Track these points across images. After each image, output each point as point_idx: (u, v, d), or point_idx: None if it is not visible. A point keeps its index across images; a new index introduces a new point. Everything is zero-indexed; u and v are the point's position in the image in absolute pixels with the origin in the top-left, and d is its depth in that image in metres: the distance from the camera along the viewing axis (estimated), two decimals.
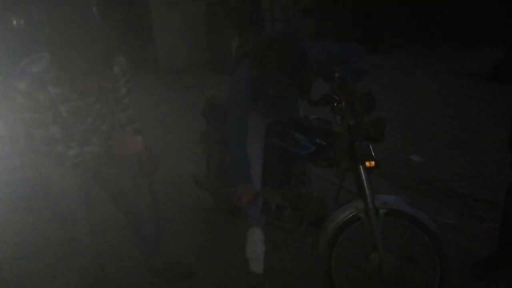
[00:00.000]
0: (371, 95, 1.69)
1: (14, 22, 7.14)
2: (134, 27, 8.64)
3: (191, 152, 3.27)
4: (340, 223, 1.73)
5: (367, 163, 1.66)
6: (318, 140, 1.86)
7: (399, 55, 8.41)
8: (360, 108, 1.65)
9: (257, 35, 8.50)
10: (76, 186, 1.67)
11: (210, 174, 2.69)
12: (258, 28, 8.72)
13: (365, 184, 1.66)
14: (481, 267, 2.05)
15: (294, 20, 9.16)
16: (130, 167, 1.85)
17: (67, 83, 1.40)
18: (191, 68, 8.88)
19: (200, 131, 2.70)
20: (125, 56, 1.65)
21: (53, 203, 1.70)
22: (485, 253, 2.13)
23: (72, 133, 1.56)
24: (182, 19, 8.90)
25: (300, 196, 2.10)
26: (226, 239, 2.47)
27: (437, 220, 1.70)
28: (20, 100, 1.37)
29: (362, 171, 1.66)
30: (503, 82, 5.60)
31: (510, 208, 1.98)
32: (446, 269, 1.67)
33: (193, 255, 2.33)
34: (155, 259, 2.11)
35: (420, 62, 7.59)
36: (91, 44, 1.26)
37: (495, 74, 5.85)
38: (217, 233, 2.58)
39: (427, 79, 6.35)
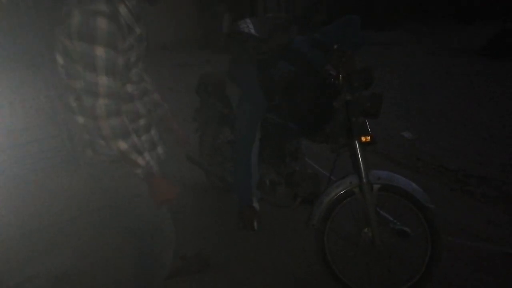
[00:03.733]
0: (370, 70, 1.67)
1: None
2: None
3: (185, 129, 3.23)
4: (334, 198, 1.74)
5: (363, 138, 1.65)
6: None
7: (396, 32, 8.34)
8: (357, 84, 1.63)
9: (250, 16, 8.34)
10: None
11: (203, 152, 2.68)
12: (249, 5, 8.55)
13: (360, 159, 1.66)
14: None
15: None
16: None
17: None
18: (182, 45, 8.72)
19: (193, 109, 2.66)
20: None
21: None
22: (476, 227, 2.17)
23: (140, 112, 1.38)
24: None
25: (294, 172, 2.10)
26: (221, 218, 2.48)
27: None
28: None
29: (357, 146, 1.65)
30: (495, 58, 5.61)
31: None
32: (437, 244, 1.69)
33: (197, 238, 2.31)
34: None
35: (416, 39, 7.54)
36: None
37: (488, 50, 5.86)
38: (212, 212, 2.58)
39: (421, 56, 6.33)
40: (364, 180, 1.66)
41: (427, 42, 7.22)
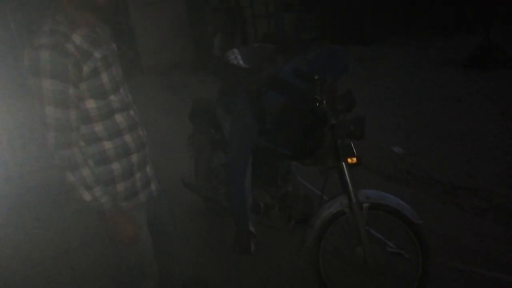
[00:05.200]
0: (351, 94, 1.76)
1: None
2: (114, 29, 8.56)
3: (180, 153, 3.30)
4: (326, 218, 1.80)
5: (349, 160, 1.73)
6: None
7: (381, 46, 8.52)
8: (341, 108, 1.72)
9: (239, 35, 8.53)
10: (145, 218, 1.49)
11: (198, 176, 2.73)
12: (239, 26, 8.75)
13: (348, 180, 1.73)
14: None
15: (276, 17, 9.20)
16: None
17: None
18: (174, 67, 8.86)
19: (188, 134, 2.73)
20: None
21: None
22: (466, 240, 2.23)
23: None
24: (163, 19, 8.85)
25: (287, 194, 2.17)
26: (218, 242, 2.52)
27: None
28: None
29: (345, 168, 1.72)
30: (480, 70, 5.76)
31: None
32: (428, 259, 1.75)
33: (194, 263, 2.34)
34: None
35: (402, 53, 7.71)
36: None
37: (472, 62, 6.01)
38: (209, 236, 2.62)
39: (408, 69, 6.47)
40: (354, 200, 1.73)
41: (413, 55, 7.38)
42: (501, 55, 5.83)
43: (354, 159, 1.72)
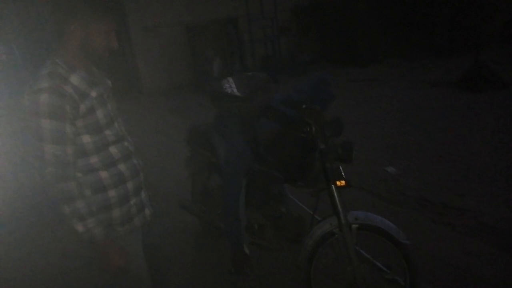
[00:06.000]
0: (339, 120, 1.86)
1: None
2: (115, 52, 8.78)
3: (177, 175, 3.38)
4: (317, 239, 1.87)
5: (338, 183, 1.81)
6: None
7: (377, 67, 8.72)
8: (329, 133, 1.81)
9: (237, 57, 8.75)
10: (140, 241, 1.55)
11: (195, 199, 2.81)
12: (238, 49, 8.97)
13: (338, 202, 1.80)
14: None
15: (273, 41, 9.44)
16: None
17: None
18: (174, 90, 9.05)
19: (185, 157, 2.82)
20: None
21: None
22: (456, 259, 2.28)
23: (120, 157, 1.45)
24: (163, 43, 9.10)
25: (280, 215, 2.24)
26: (213, 263, 2.57)
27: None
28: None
29: (334, 191, 1.80)
30: (472, 90, 5.90)
31: None
32: (415, 277, 1.81)
33: (190, 284, 2.39)
34: None
35: (396, 74, 7.89)
36: None
37: (464, 83, 6.16)
38: (205, 257, 2.67)
39: (402, 90, 6.63)
40: (343, 221, 1.80)
41: (407, 76, 7.56)
42: (492, 77, 6.00)
43: (343, 182, 1.80)
